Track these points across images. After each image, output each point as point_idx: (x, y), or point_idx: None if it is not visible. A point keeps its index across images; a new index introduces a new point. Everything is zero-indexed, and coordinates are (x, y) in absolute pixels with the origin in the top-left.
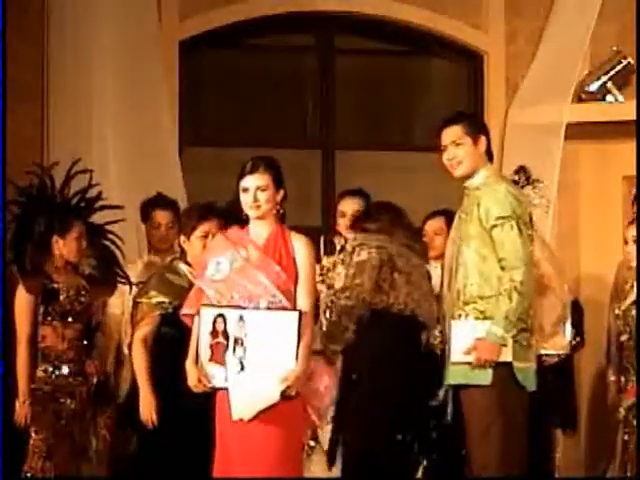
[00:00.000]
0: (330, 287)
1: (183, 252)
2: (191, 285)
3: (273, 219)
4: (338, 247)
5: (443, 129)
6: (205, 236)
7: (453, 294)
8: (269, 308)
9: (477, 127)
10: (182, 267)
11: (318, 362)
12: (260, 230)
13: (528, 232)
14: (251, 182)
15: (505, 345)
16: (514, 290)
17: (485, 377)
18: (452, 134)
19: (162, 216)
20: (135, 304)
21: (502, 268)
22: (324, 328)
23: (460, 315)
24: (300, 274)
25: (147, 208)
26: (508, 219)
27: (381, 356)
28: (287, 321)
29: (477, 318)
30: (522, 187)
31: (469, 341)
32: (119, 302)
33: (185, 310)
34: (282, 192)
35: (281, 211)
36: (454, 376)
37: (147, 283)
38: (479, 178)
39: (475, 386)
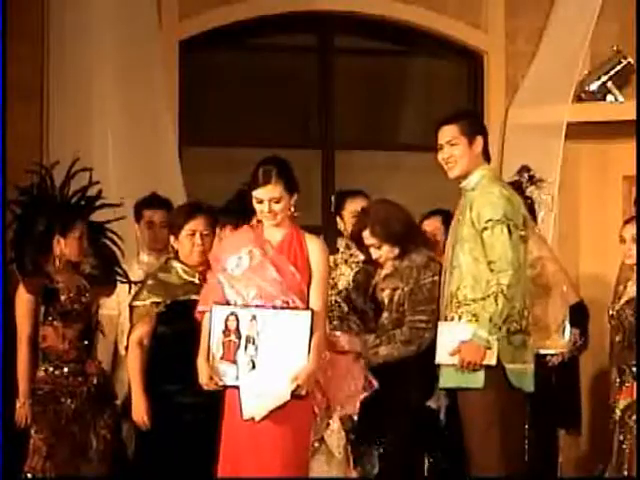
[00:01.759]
0: (333, 287)
1: (176, 253)
2: (183, 282)
3: (287, 221)
4: (342, 248)
5: (439, 128)
6: (192, 234)
7: (447, 296)
8: (282, 308)
9: (474, 127)
10: (176, 265)
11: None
12: (275, 231)
13: (520, 234)
14: (265, 194)
15: (490, 348)
16: (500, 293)
17: (477, 380)
18: (448, 133)
19: (155, 215)
20: (131, 308)
21: (491, 271)
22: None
23: (453, 318)
24: (314, 275)
25: (141, 208)
26: (499, 222)
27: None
28: (299, 321)
29: (470, 321)
30: (525, 187)
31: (454, 343)
32: (114, 303)
33: (200, 307)
34: (296, 195)
35: (296, 214)
36: (446, 380)
37: (142, 285)
38: (474, 179)
39: (469, 389)
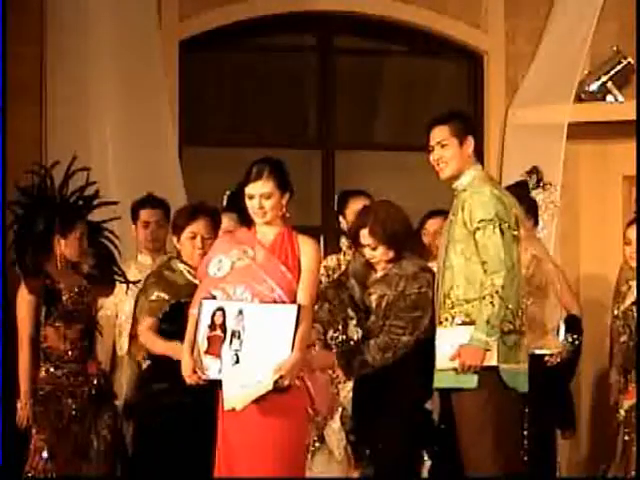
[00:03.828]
0: None
1: (179, 253)
2: (188, 283)
3: (279, 221)
4: (344, 248)
5: (430, 130)
6: (193, 237)
7: (440, 297)
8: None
9: (464, 128)
10: (180, 266)
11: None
12: (267, 231)
13: (513, 233)
14: (256, 190)
15: (489, 350)
16: (495, 294)
17: (471, 381)
18: (438, 135)
19: (151, 215)
20: (136, 303)
21: (485, 271)
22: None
23: (447, 318)
24: (303, 270)
25: (137, 208)
26: (491, 222)
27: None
28: (285, 315)
29: (463, 322)
30: (532, 189)
31: (453, 347)
32: (111, 304)
33: (192, 310)
34: (288, 195)
35: (287, 215)
36: (441, 381)
37: (146, 282)
38: (466, 179)
39: (463, 389)
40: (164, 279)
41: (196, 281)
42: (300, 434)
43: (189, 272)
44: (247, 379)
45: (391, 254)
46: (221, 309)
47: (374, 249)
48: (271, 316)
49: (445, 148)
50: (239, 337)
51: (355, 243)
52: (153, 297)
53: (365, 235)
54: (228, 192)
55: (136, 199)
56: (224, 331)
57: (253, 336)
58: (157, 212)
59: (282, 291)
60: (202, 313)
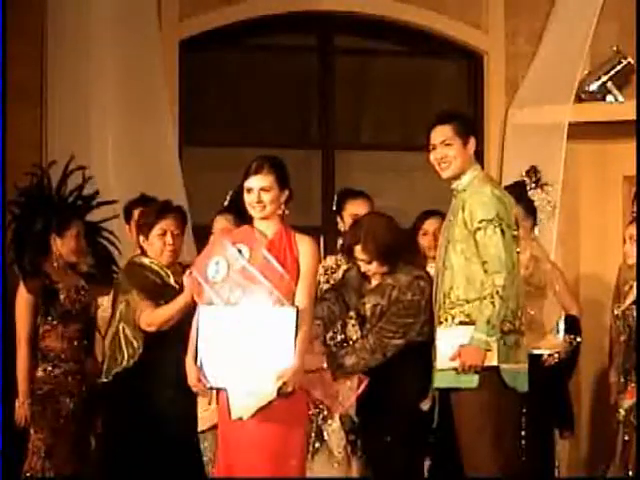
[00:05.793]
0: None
1: (143, 252)
2: (168, 285)
3: (277, 219)
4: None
5: (433, 128)
6: (163, 234)
7: (440, 297)
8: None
9: (467, 128)
10: (152, 264)
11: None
12: (264, 230)
13: (513, 233)
14: (255, 183)
15: (490, 350)
16: (496, 294)
17: (471, 381)
18: (443, 134)
19: None
20: (113, 306)
21: (485, 271)
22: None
23: (447, 319)
24: (301, 272)
25: (131, 208)
26: (491, 222)
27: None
28: (284, 318)
29: (463, 322)
30: (530, 189)
31: (454, 347)
32: (107, 304)
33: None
34: (287, 192)
35: (286, 212)
36: (441, 380)
37: (122, 285)
38: (466, 180)
39: (463, 389)
40: (155, 284)
41: (169, 281)
42: (300, 437)
43: (167, 273)
44: (251, 386)
45: (385, 268)
46: (221, 314)
47: (369, 263)
48: (271, 319)
49: (449, 147)
50: (240, 342)
51: (349, 258)
52: (137, 297)
53: (359, 250)
54: (231, 191)
55: (130, 199)
56: (226, 337)
57: (254, 340)
58: None
59: (280, 293)
60: (202, 320)
